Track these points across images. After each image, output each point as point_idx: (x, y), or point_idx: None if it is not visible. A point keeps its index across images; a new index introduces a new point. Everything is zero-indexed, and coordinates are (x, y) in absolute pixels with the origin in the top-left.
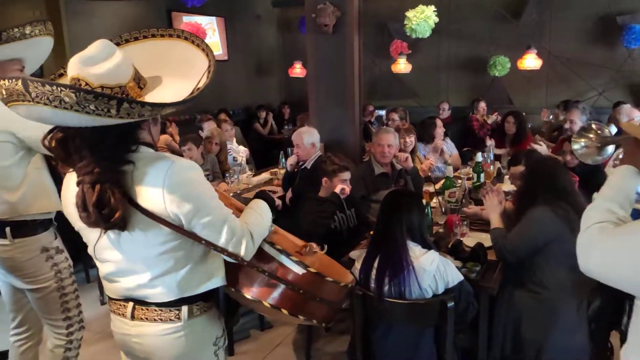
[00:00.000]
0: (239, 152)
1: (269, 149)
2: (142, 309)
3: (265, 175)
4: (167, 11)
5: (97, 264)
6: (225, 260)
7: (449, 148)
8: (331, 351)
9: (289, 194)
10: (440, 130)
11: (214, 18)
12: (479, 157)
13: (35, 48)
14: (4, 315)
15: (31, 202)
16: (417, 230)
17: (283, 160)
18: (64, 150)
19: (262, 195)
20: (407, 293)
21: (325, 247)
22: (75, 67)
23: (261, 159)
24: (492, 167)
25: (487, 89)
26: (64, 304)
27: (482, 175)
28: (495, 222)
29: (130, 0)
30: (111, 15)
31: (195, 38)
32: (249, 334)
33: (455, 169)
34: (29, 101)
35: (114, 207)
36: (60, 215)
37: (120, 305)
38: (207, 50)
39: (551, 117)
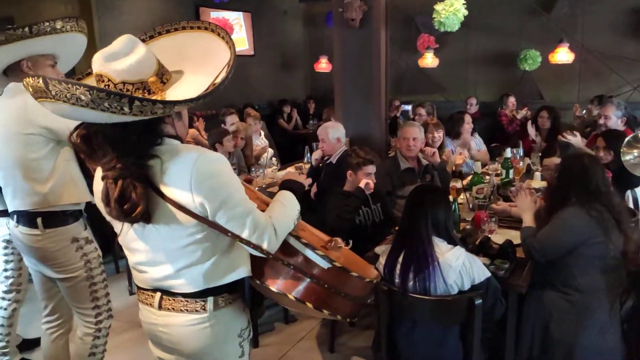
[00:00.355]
0: (262, 142)
1: (294, 144)
2: (169, 300)
3: (290, 170)
4: (195, 6)
5: (127, 253)
6: (251, 252)
7: (477, 144)
8: (355, 346)
9: (313, 189)
10: (467, 126)
11: (240, 13)
12: (507, 153)
13: (67, 44)
14: (37, 303)
15: (60, 193)
16: (443, 226)
17: (308, 154)
18: (88, 146)
19: (289, 185)
20: (432, 289)
21: (351, 242)
22: (98, 63)
23: (286, 153)
24: (521, 163)
25: (516, 83)
26: (93, 293)
27: (511, 171)
28: (528, 221)
29: None
30: (140, 10)
31: (221, 30)
32: (273, 327)
33: (483, 165)
34: (51, 98)
35: (135, 202)
36: (89, 207)
37: (148, 295)
38: (230, 43)
39: (584, 112)
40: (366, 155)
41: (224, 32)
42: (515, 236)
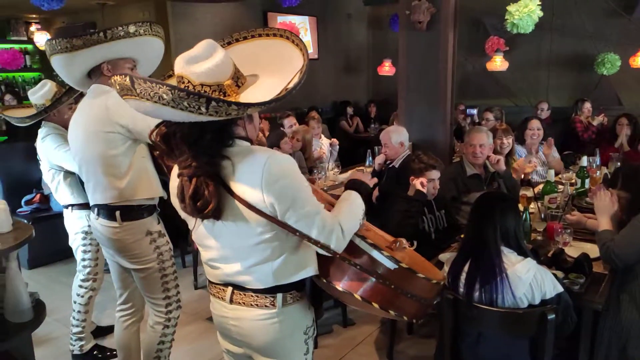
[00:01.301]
0: (320, 145)
1: (355, 147)
2: (240, 294)
3: (356, 169)
4: (263, 12)
5: (200, 249)
6: (317, 252)
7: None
8: (414, 354)
9: (375, 193)
10: (530, 132)
11: (306, 17)
12: (584, 161)
13: (142, 48)
14: (111, 293)
15: (136, 188)
16: (513, 236)
17: (369, 158)
18: (166, 145)
19: (355, 186)
20: (500, 301)
21: (415, 243)
22: (179, 65)
23: (347, 156)
24: (598, 173)
25: (592, 88)
26: (164, 284)
27: (587, 181)
28: (605, 224)
29: (229, 2)
30: (212, 16)
31: (295, 37)
32: (331, 329)
33: (557, 174)
34: (135, 96)
35: (208, 200)
36: (162, 203)
37: (220, 289)
38: (303, 50)
39: None
40: (429, 160)
41: (298, 39)
42: (591, 249)
